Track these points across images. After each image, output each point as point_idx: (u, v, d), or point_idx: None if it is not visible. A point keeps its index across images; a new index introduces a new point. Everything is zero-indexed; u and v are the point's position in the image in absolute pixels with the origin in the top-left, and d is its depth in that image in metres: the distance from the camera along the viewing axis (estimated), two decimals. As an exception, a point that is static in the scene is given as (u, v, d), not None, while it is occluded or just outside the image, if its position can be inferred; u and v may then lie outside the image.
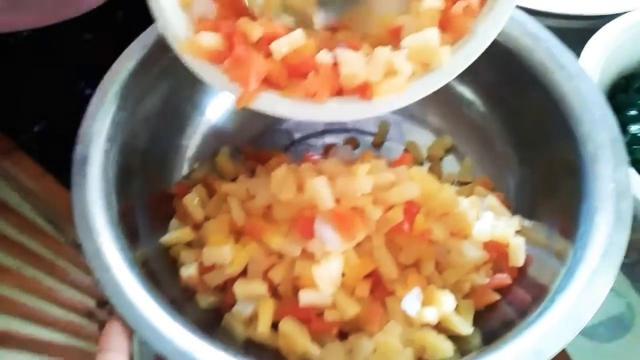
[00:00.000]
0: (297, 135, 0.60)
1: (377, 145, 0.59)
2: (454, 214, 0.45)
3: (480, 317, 0.44)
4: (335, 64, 0.35)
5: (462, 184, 0.55)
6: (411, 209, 0.44)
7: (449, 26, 0.36)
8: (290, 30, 0.36)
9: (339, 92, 0.36)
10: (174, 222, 0.50)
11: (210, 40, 0.37)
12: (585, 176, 0.41)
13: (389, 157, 0.55)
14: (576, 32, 0.58)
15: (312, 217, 0.44)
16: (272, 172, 0.45)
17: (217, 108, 0.58)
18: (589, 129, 0.42)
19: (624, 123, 0.54)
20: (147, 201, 0.49)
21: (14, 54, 0.56)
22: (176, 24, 0.38)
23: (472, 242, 0.45)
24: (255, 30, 0.36)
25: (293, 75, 0.36)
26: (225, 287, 0.45)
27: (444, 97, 0.56)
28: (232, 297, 0.44)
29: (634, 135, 0.54)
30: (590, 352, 0.49)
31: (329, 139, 0.59)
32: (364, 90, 0.35)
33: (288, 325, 0.42)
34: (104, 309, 0.76)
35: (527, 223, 0.47)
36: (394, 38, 0.37)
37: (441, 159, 0.57)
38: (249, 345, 0.44)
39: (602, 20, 0.55)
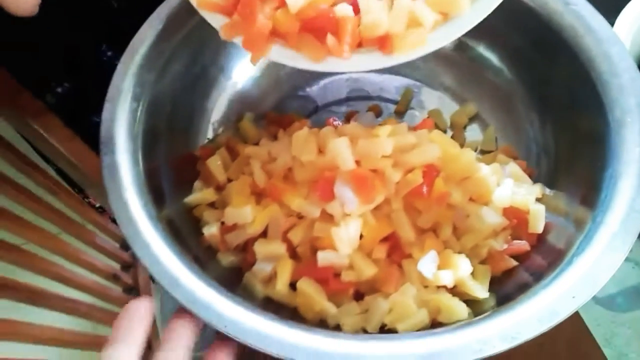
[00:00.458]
0: (320, 102, 0.60)
1: (400, 113, 0.59)
2: (474, 179, 0.45)
3: (496, 283, 0.44)
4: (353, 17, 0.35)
5: (484, 152, 0.54)
6: (431, 172, 0.44)
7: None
8: None
9: (358, 44, 0.35)
10: (197, 183, 0.51)
11: None
12: (610, 142, 0.40)
13: (411, 124, 0.55)
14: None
15: (332, 178, 0.44)
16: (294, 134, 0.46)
17: (242, 73, 0.58)
18: (616, 93, 0.41)
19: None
20: (172, 162, 0.50)
21: (36, 15, 0.57)
22: None
23: (492, 207, 0.45)
24: None
25: (309, 30, 0.36)
26: (246, 247, 0.47)
27: (469, 65, 0.56)
28: (252, 257, 0.45)
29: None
30: (608, 322, 0.48)
31: (352, 106, 0.59)
32: (383, 43, 0.35)
33: (306, 285, 0.43)
34: (128, 272, 0.79)
35: (548, 191, 0.47)
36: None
37: (465, 127, 0.56)
38: (268, 303, 0.45)
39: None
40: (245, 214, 0.45)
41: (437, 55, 0.57)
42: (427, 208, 0.44)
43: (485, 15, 0.34)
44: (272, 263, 0.45)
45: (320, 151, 0.46)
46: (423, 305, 0.41)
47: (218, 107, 0.57)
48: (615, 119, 0.40)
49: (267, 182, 0.47)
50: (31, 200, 0.62)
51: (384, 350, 0.35)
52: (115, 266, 0.79)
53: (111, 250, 0.78)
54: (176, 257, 0.39)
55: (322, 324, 0.43)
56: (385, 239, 0.45)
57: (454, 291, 0.43)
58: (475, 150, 0.54)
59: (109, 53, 0.65)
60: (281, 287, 0.44)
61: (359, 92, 0.60)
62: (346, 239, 0.43)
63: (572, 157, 0.46)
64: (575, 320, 0.43)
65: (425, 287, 0.43)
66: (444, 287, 0.42)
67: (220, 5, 0.39)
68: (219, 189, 0.50)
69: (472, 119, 0.56)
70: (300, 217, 0.46)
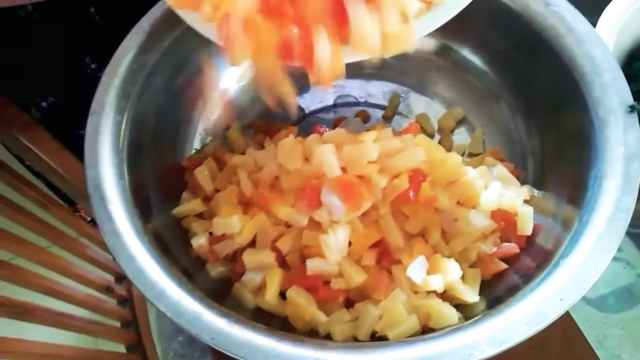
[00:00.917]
0: (307, 110, 0.60)
1: (388, 118, 0.58)
2: (461, 183, 0.45)
3: (486, 286, 0.43)
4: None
5: (472, 155, 0.54)
6: (417, 176, 0.44)
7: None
8: None
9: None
10: (185, 194, 0.51)
11: None
12: (595, 141, 0.40)
13: (399, 129, 0.55)
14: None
15: (318, 186, 0.44)
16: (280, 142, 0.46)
17: (228, 82, 0.58)
18: (599, 93, 0.41)
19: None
20: (160, 174, 0.50)
21: (19, 28, 0.57)
22: None
23: (480, 210, 0.45)
24: None
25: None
26: (235, 257, 0.46)
27: (454, 68, 0.56)
28: (241, 267, 0.45)
29: (650, 103, 0.52)
30: (600, 323, 0.48)
31: (339, 113, 0.59)
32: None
33: (296, 294, 0.43)
34: (122, 283, 0.78)
35: (536, 192, 0.47)
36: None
37: (452, 131, 0.56)
38: (258, 313, 0.44)
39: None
40: (233, 224, 0.45)
41: (423, 60, 0.57)
42: (415, 213, 0.44)
43: (467, 3, 0.34)
44: (261, 273, 0.45)
45: (307, 159, 0.46)
46: (413, 311, 0.41)
47: (205, 117, 0.57)
48: (599, 118, 0.41)
49: (254, 191, 0.47)
50: (19, 213, 0.62)
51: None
52: (109, 278, 0.79)
53: (104, 262, 0.77)
54: (162, 269, 0.39)
55: (312, 333, 0.43)
56: (374, 245, 0.44)
57: (444, 296, 0.43)
58: (463, 154, 0.54)
59: (93, 65, 0.64)
60: (270, 296, 0.43)
61: (346, 98, 0.60)
62: (335, 246, 0.42)
63: (558, 157, 0.46)
64: (567, 322, 0.43)
65: (415, 292, 0.43)
66: (434, 292, 0.42)
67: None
68: (207, 199, 0.50)
69: (460, 122, 0.56)
70: (288, 225, 0.46)
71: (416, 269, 0.42)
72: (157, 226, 0.45)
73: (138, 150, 0.47)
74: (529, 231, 0.44)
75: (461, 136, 0.56)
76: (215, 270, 0.46)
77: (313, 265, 0.43)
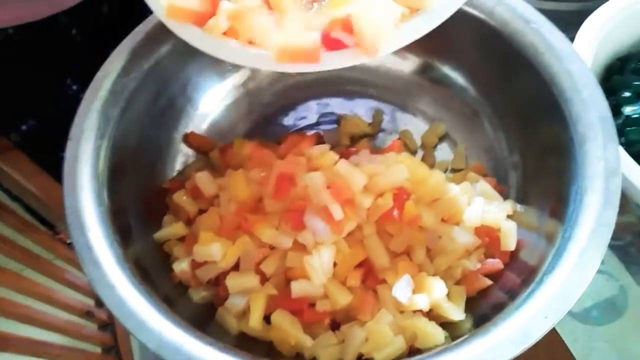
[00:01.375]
0: (292, 127, 0.59)
1: (371, 135, 0.58)
2: (444, 200, 0.45)
3: (472, 303, 0.43)
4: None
5: (455, 171, 0.54)
6: (401, 195, 0.43)
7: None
8: None
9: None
10: (167, 217, 0.50)
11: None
12: (575, 157, 0.40)
13: (383, 146, 0.55)
14: (571, 14, 0.58)
15: (302, 208, 0.43)
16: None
17: (211, 103, 0.58)
18: (578, 109, 0.41)
19: (618, 104, 0.53)
20: (141, 197, 0.49)
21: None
22: None
23: (463, 227, 0.45)
24: None
25: None
26: (218, 281, 0.45)
27: (436, 85, 0.57)
28: (225, 291, 0.44)
29: (628, 116, 0.53)
30: (585, 337, 0.48)
31: (324, 129, 0.59)
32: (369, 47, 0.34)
33: (280, 317, 0.42)
34: (102, 308, 0.77)
35: (519, 207, 0.47)
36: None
37: (435, 147, 0.56)
38: (242, 339, 0.44)
39: (597, 2, 0.55)
40: (213, 251, 0.44)
41: (405, 77, 0.58)
42: (399, 231, 0.44)
43: (456, 9, 0.34)
44: (245, 297, 0.44)
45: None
46: (399, 331, 0.41)
47: (187, 138, 0.56)
48: (579, 133, 0.41)
49: (237, 214, 0.46)
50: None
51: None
52: (89, 302, 0.77)
53: (83, 286, 0.75)
54: (143, 298, 0.38)
55: (298, 357, 0.42)
56: (359, 265, 0.44)
57: (430, 315, 0.42)
58: (446, 170, 0.54)
59: (74, 87, 0.64)
60: (255, 322, 0.42)
61: (330, 116, 0.60)
62: (319, 268, 0.42)
63: (539, 172, 0.46)
64: (552, 337, 0.43)
65: (401, 312, 0.42)
66: (420, 311, 0.42)
67: (194, 12, 0.36)
68: (190, 222, 0.49)
69: (442, 138, 0.56)
70: (272, 247, 0.45)
71: (402, 289, 0.42)
72: (137, 252, 0.44)
73: (119, 174, 0.46)
74: (512, 246, 0.44)
75: (443, 152, 0.56)
76: (198, 295, 0.46)
77: (298, 288, 0.43)
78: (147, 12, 0.40)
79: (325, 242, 0.43)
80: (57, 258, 0.73)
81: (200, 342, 0.36)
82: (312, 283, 0.42)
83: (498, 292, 0.43)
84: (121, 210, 0.45)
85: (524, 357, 0.34)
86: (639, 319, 0.50)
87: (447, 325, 0.41)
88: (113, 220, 0.43)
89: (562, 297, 0.35)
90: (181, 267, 0.45)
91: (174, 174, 0.55)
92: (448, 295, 0.43)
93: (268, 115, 0.60)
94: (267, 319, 0.43)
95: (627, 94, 0.54)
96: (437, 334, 0.40)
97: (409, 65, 0.57)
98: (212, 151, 0.55)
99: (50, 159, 0.61)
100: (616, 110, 0.50)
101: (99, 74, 0.47)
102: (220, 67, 0.57)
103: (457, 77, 0.55)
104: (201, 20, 0.37)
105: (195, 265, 0.45)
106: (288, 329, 0.42)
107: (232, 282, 0.44)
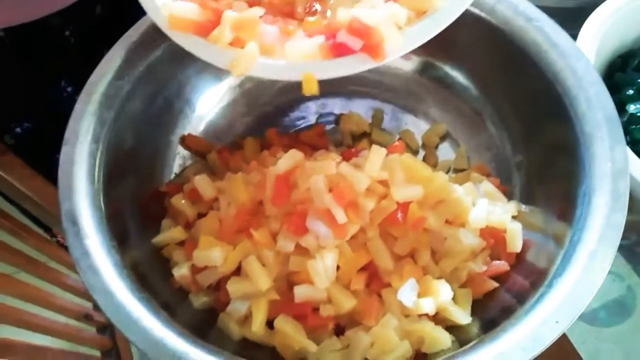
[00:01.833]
0: (290, 128, 0.59)
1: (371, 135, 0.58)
2: (448, 201, 0.44)
3: (478, 306, 0.43)
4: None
5: (458, 171, 0.54)
6: (404, 197, 0.43)
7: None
8: None
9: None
10: (165, 221, 0.49)
11: (188, 9, 0.35)
12: (582, 157, 0.40)
13: (384, 145, 0.54)
14: (573, 12, 0.57)
15: (304, 212, 0.43)
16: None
17: (208, 104, 0.57)
18: (584, 108, 0.41)
19: (622, 102, 0.53)
20: (138, 201, 0.48)
21: None
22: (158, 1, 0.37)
23: (468, 229, 0.44)
24: None
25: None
26: (219, 286, 0.45)
27: (437, 84, 0.56)
28: (226, 296, 0.44)
29: (633, 114, 0.52)
30: (592, 339, 0.48)
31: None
32: (375, 51, 0.33)
33: (284, 323, 0.42)
34: (101, 310, 0.76)
35: (524, 208, 0.46)
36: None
37: (436, 146, 0.56)
38: (245, 345, 0.43)
39: (598, -1, 0.54)
40: (214, 257, 0.43)
41: (406, 76, 0.57)
42: (404, 234, 0.43)
43: (462, 11, 0.33)
44: (247, 302, 0.43)
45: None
46: (405, 336, 0.40)
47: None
48: (585, 134, 0.40)
49: (237, 217, 0.45)
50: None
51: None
52: (87, 305, 0.76)
53: (81, 289, 0.74)
54: (143, 305, 0.37)
55: (302, 364, 0.41)
56: (363, 269, 0.43)
57: (436, 318, 0.42)
58: (448, 170, 0.54)
59: (69, 89, 0.63)
60: (257, 327, 0.42)
61: (329, 116, 0.59)
62: (323, 272, 0.41)
63: (545, 172, 0.46)
64: (561, 340, 0.42)
65: (407, 316, 0.42)
66: (426, 315, 0.41)
67: (196, 22, 0.36)
68: (189, 226, 0.48)
69: (443, 138, 0.56)
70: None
71: (407, 292, 0.41)
72: (136, 257, 0.44)
73: (115, 178, 0.45)
74: (518, 248, 0.44)
75: (445, 151, 0.55)
76: (199, 300, 0.45)
77: (301, 292, 0.42)
78: (140, 13, 0.39)
79: (328, 246, 0.42)
80: (52, 260, 0.72)
81: (202, 351, 0.35)
82: (316, 287, 0.41)
83: (505, 295, 0.42)
84: (118, 215, 0.44)
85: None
86: (647, 320, 0.49)
87: (453, 329, 0.41)
88: (110, 225, 0.42)
89: (573, 301, 0.34)
90: (181, 272, 0.44)
91: (172, 176, 0.54)
92: (454, 298, 0.42)
93: (266, 116, 0.59)
94: (270, 324, 0.43)
95: (630, 92, 0.54)
96: (444, 338, 0.39)
97: (409, 64, 0.56)
98: (209, 153, 0.54)
99: (45, 161, 0.61)
100: (620, 108, 0.50)
101: (93, 77, 0.46)
102: (216, 68, 0.56)
103: (458, 76, 0.54)
104: (204, 30, 0.36)
105: (196, 270, 0.44)
106: (291, 334, 0.41)
107: (234, 287, 0.43)
